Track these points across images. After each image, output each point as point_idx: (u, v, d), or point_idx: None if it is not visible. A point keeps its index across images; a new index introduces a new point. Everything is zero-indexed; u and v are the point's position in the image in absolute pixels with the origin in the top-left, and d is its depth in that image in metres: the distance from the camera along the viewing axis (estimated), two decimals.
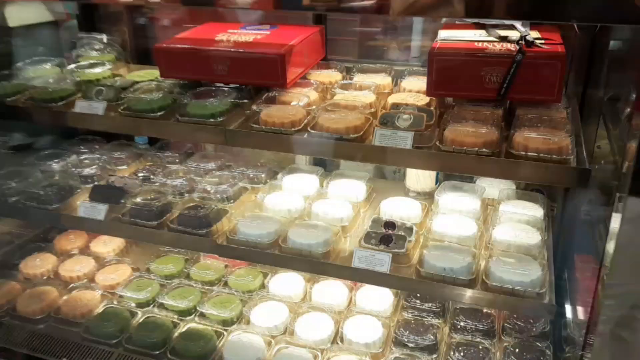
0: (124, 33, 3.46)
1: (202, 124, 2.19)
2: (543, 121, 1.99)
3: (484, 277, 2.02)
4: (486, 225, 2.35)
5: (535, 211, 2.39)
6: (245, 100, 2.36)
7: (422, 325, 2.57)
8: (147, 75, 2.72)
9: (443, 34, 2.32)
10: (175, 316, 2.74)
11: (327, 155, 2.12)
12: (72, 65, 2.79)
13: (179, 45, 2.38)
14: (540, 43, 2.08)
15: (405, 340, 2.48)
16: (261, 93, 2.43)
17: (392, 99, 2.29)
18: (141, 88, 2.43)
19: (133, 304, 2.84)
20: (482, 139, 1.89)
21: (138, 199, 2.56)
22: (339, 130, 2.04)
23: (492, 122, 2.01)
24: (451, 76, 2.10)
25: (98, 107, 2.35)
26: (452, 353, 2.41)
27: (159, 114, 2.27)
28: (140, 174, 2.87)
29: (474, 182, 2.69)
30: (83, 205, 2.55)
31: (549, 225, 2.29)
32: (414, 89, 2.40)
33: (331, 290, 2.82)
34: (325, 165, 3.19)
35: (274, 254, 2.26)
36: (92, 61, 2.86)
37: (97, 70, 2.72)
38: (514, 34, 2.18)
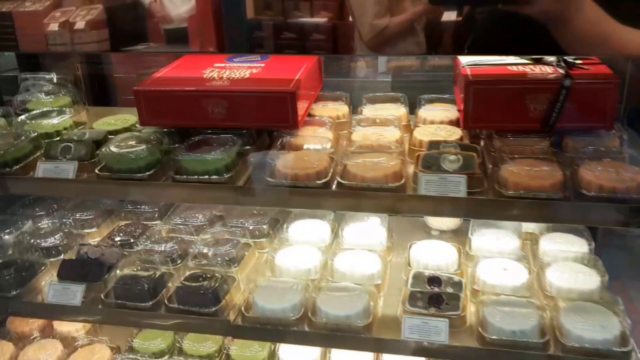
0: (75, 69, 3.00)
1: (205, 182, 1.81)
2: (601, 153, 1.75)
3: (558, 337, 1.74)
4: (531, 266, 2.08)
5: (580, 246, 2.16)
6: (248, 147, 1.99)
7: None
8: (118, 121, 2.29)
9: (464, 58, 2.06)
10: None
11: (366, 210, 1.79)
12: (23, 116, 2.31)
13: (165, 88, 1.98)
14: (579, 64, 1.86)
15: None
16: (263, 137, 2.07)
17: (420, 134, 1.99)
18: (118, 141, 2.00)
19: None
20: (549, 181, 1.63)
21: (122, 272, 2.12)
22: (377, 178, 1.72)
23: (547, 158, 1.76)
24: (492, 106, 1.85)
25: (68, 170, 1.90)
26: None
27: (148, 173, 1.86)
28: (116, 238, 2.41)
29: None
30: (52, 288, 2.09)
31: (600, 262, 2.06)
32: (435, 120, 2.12)
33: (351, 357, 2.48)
34: None
35: (304, 332, 1.89)
36: (45, 108, 2.39)
37: (55, 120, 2.26)
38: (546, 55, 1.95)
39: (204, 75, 2.07)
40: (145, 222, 2.55)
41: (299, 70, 2.10)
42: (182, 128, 2.08)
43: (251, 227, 2.39)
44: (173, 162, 1.89)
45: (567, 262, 2.05)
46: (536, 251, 2.19)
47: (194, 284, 2.03)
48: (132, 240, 2.38)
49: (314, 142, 1.92)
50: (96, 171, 1.90)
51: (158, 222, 2.56)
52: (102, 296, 2.05)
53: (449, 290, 1.93)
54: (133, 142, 1.98)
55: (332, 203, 1.76)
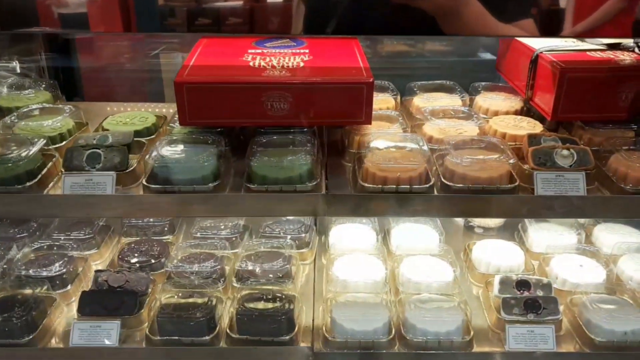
0: (38, 56, 2.49)
1: (288, 192, 1.52)
2: None
3: None
4: (601, 259, 2.03)
5: (636, 234, 2.15)
6: (313, 146, 1.72)
7: None
8: (135, 120, 1.89)
9: (528, 41, 1.95)
10: None
11: (478, 215, 1.61)
12: (7, 118, 1.82)
13: (216, 80, 1.64)
14: None
15: None
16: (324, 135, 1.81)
17: (501, 127, 1.84)
18: (164, 145, 1.63)
19: None
20: None
21: (164, 301, 1.75)
22: (493, 179, 1.54)
23: None
24: (584, 96, 1.74)
25: (104, 183, 1.51)
26: None
27: (213, 184, 1.53)
28: (132, 260, 2.01)
29: None
30: (77, 327, 1.68)
31: None
32: (500, 110, 1.99)
33: None
34: None
35: (401, 354, 1.67)
36: (33, 105, 1.92)
37: (51, 121, 1.80)
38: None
39: (250, 64, 1.75)
40: (157, 238, 2.16)
41: (355, 56, 1.85)
42: (229, 127, 1.76)
43: (290, 237, 2.11)
44: (235, 168, 1.57)
45: (635, 253, 2.03)
46: (594, 243, 2.15)
47: (260, 309, 1.73)
48: (153, 261, 1.99)
49: (404, 140, 1.69)
50: (143, 183, 1.53)
51: (170, 236, 2.19)
52: (147, 331, 1.68)
53: (540, 293, 1.81)
54: (182, 147, 1.63)
55: (442, 209, 1.55)
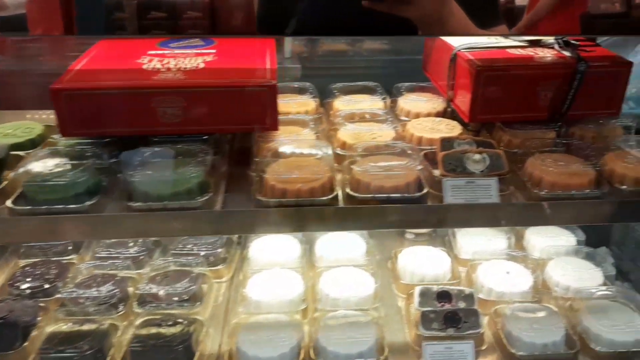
0: None
1: (175, 209, 1.36)
2: (618, 144, 1.63)
3: (587, 343, 1.61)
4: (529, 265, 1.94)
5: (567, 239, 2.07)
6: (216, 157, 1.57)
7: None
8: (18, 131, 1.71)
9: (452, 41, 1.84)
10: None
11: (384, 227, 1.48)
12: None
13: (99, 84, 1.47)
14: (580, 46, 1.74)
15: None
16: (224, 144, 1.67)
17: (417, 130, 1.73)
18: (36, 159, 1.45)
19: None
20: (586, 177, 1.47)
21: (48, 332, 1.58)
22: (398, 188, 1.42)
23: (564, 149, 1.61)
24: (503, 95, 1.65)
25: None
26: None
27: (89, 203, 1.36)
28: (22, 286, 1.82)
29: None
30: None
31: (595, 254, 1.99)
32: (421, 112, 1.88)
33: None
34: None
35: None
36: None
37: None
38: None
39: (144, 66, 1.59)
40: (57, 259, 1.97)
41: (264, 57, 1.71)
42: (119, 137, 1.59)
43: (203, 253, 1.96)
44: (119, 183, 1.41)
45: (564, 257, 1.95)
46: (525, 247, 2.07)
47: (154, 336, 1.57)
48: (46, 287, 1.81)
49: (307, 146, 1.56)
50: (8, 204, 1.35)
51: (74, 256, 2.00)
52: None
53: (462, 305, 1.71)
54: (57, 161, 1.46)
55: (345, 222, 1.42)
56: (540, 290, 1.80)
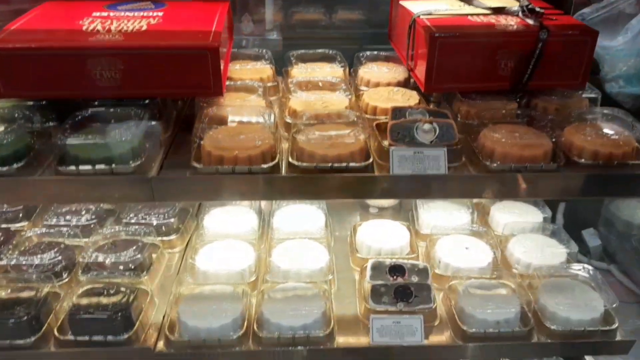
0: None
1: (105, 174, 1.30)
2: (581, 117, 1.56)
3: (542, 321, 1.57)
4: (490, 240, 1.89)
5: (534, 215, 2.01)
6: (154, 122, 1.50)
7: None
8: None
9: (411, 6, 1.76)
10: None
11: (327, 197, 1.43)
12: None
13: (33, 45, 1.40)
14: (545, 14, 1.65)
15: None
16: (170, 109, 1.60)
17: (372, 99, 1.66)
18: None
19: None
20: (541, 150, 1.40)
21: None
22: (342, 157, 1.36)
23: (525, 120, 1.54)
24: (460, 64, 1.57)
25: None
26: None
27: (17, 165, 1.30)
28: None
29: None
30: None
31: (561, 231, 1.93)
32: (381, 81, 1.80)
33: None
34: None
35: (252, 352, 1.51)
36: None
37: None
38: (508, 4, 1.72)
39: (83, 28, 1.51)
40: (6, 226, 1.93)
41: (212, 20, 1.63)
42: (57, 100, 1.52)
43: (155, 223, 1.91)
44: (55, 148, 1.35)
45: (526, 234, 1.89)
46: (489, 223, 2.02)
47: (93, 305, 1.52)
48: None
49: (250, 113, 1.49)
50: None
51: (25, 223, 1.95)
52: None
53: (415, 279, 1.66)
54: None
55: (284, 191, 1.35)
56: (499, 267, 1.74)
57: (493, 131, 1.44)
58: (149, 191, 1.32)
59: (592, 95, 1.69)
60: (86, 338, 1.48)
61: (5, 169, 1.29)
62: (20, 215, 1.96)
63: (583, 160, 1.41)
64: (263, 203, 2.09)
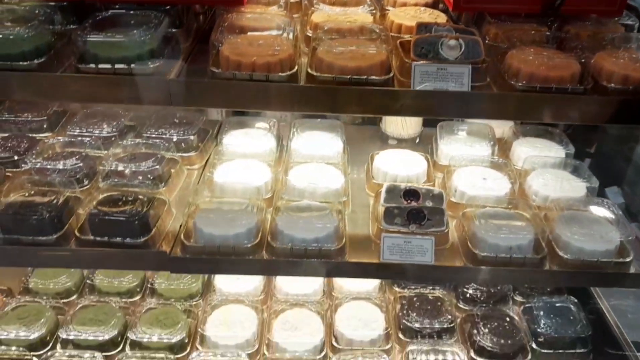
0: None
1: (124, 74, 1.30)
2: (614, 42, 1.49)
3: (556, 250, 1.56)
4: (509, 172, 1.86)
5: (556, 151, 1.97)
6: (175, 29, 1.49)
7: (428, 302, 2.10)
8: None
9: None
10: (96, 354, 1.88)
11: (345, 110, 1.41)
12: None
13: None
14: None
15: (416, 325, 1.99)
16: (191, 18, 1.58)
17: (399, 17, 1.61)
18: None
19: (21, 348, 1.90)
20: (569, 72, 1.35)
21: (9, 198, 1.59)
22: (362, 69, 1.33)
23: (555, 46, 1.49)
24: None
25: None
26: (472, 330, 2.00)
27: (38, 61, 1.31)
28: None
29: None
30: None
31: (583, 167, 1.89)
32: (408, 1, 1.74)
33: (298, 283, 2.19)
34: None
35: (265, 262, 1.54)
36: None
37: None
38: None
39: None
40: (31, 135, 1.97)
41: None
42: (78, 2, 1.51)
43: (175, 139, 1.92)
44: (75, 45, 1.35)
45: (547, 168, 1.86)
46: (510, 157, 1.98)
47: (113, 210, 1.57)
48: (16, 158, 1.82)
49: (270, 23, 1.46)
50: None
51: (48, 134, 1.99)
52: None
53: (429, 204, 1.66)
54: (9, 19, 1.39)
55: (301, 101, 1.34)
56: (516, 198, 1.72)
57: (521, 52, 1.39)
58: (166, 94, 1.32)
59: (629, 22, 1.61)
60: (105, 239, 1.52)
61: (26, 63, 1.30)
62: (45, 126, 2.00)
63: (612, 85, 1.35)
64: (282, 128, 2.08)
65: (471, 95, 1.33)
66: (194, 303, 2.08)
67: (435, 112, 1.37)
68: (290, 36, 1.44)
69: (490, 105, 1.36)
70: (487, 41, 1.53)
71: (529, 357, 1.96)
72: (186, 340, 1.94)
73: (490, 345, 1.94)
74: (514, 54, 1.39)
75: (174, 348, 1.91)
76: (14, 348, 1.88)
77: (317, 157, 1.89)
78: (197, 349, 1.93)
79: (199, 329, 1.96)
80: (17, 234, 1.52)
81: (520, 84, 1.34)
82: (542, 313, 2.05)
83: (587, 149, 2.90)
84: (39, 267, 2.12)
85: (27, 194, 1.62)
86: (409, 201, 1.66)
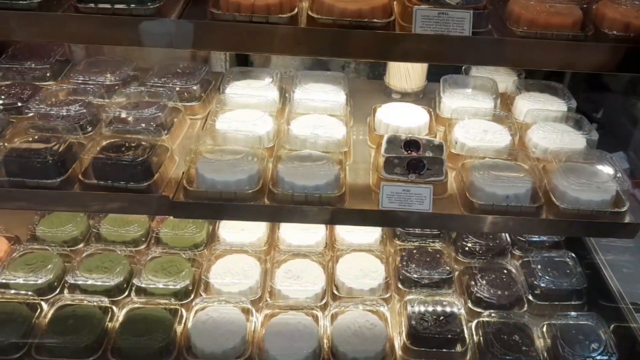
0: None
1: (123, 14, 1.30)
2: None
3: (554, 200, 1.57)
4: (510, 125, 1.86)
5: (559, 105, 1.96)
6: None
7: (427, 254, 2.13)
8: None
9: None
10: (103, 299, 1.93)
11: (345, 55, 1.41)
12: None
13: None
14: None
15: (415, 276, 2.03)
16: None
17: None
18: None
19: (29, 293, 1.96)
20: (570, 19, 1.34)
21: (13, 143, 1.61)
22: (363, 12, 1.32)
23: None
24: None
25: None
26: (470, 282, 2.04)
27: (38, 0, 1.31)
28: None
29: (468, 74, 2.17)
30: None
31: (584, 120, 1.88)
32: None
33: (301, 225, 2.22)
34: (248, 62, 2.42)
35: (266, 207, 1.56)
36: None
37: None
38: None
39: None
40: (34, 83, 1.98)
41: None
42: None
43: (178, 87, 1.93)
44: None
45: (547, 122, 1.86)
46: (513, 112, 1.98)
47: (116, 155, 1.59)
48: (20, 104, 1.83)
49: None
50: None
51: (52, 82, 2.00)
52: None
53: (429, 154, 1.67)
54: None
55: (301, 44, 1.34)
56: (515, 150, 1.73)
57: None
58: (167, 36, 1.32)
59: None
60: (109, 182, 1.55)
61: (25, 2, 1.30)
62: (48, 74, 2.01)
63: (614, 32, 1.34)
64: (284, 81, 2.08)
65: (471, 39, 1.32)
66: (198, 252, 2.12)
67: (436, 57, 1.37)
68: None
69: (490, 51, 1.35)
70: None
71: (525, 307, 2.00)
72: (190, 288, 1.99)
73: (487, 295, 1.99)
74: (516, 0, 1.38)
75: (178, 294, 1.97)
76: (22, 292, 1.94)
77: (320, 108, 1.90)
78: (201, 295, 1.98)
79: (203, 277, 2.01)
80: (22, 177, 1.54)
81: (520, 30, 1.33)
82: (539, 267, 2.09)
83: (594, 114, 2.89)
84: (43, 210, 2.16)
85: (31, 139, 1.63)
86: (409, 151, 1.67)
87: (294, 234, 2.22)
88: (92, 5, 1.31)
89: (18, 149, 1.58)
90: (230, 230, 2.21)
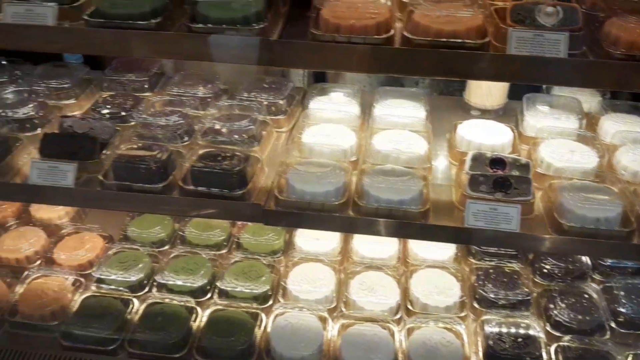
0: None
1: (231, 31, 1.40)
2: None
3: None
4: (597, 146, 1.82)
5: None
6: None
7: (505, 274, 2.11)
8: None
9: None
10: (189, 299, 2.04)
11: (439, 74, 1.45)
12: None
13: None
14: None
15: (492, 296, 2.02)
16: None
17: None
18: None
19: (122, 288, 2.10)
20: None
21: (121, 150, 1.75)
22: (458, 33, 1.36)
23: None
24: None
25: (46, 14, 1.45)
26: (549, 305, 2.00)
27: (155, 21, 1.43)
28: (103, 110, 2.01)
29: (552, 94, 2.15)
30: (36, 167, 1.70)
31: None
32: None
33: (375, 237, 2.26)
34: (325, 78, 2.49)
35: (352, 219, 1.62)
36: None
37: None
38: None
39: None
40: (134, 93, 2.13)
41: None
42: None
43: (266, 102, 2.03)
44: (183, 7, 1.46)
45: (638, 144, 1.81)
46: (598, 133, 1.94)
47: (213, 164, 1.69)
48: (123, 114, 1.98)
49: None
50: (84, 17, 1.46)
51: (149, 93, 2.15)
52: (101, 177, 1.69)
53: (515, 173, 1.67)
54: None
55: (397, 64, 1.39)
56: (604, 172, 1.70)
57: (620, 19, 1.37)
58: (269, 54, 1.41)
59: None
60: (206, 189, 1.65)
61: (144, 23, 1.42)
62: (146, 86, 2.16)
63: None
64: (366, 96, 2.13)
65: (567, 62, 1.33)
66: (277, 259, 2.20)
67: (531, 78, 1.38)
68: (385, 0, 1.48)
69: (587, 73, 1.35)
70: (584, 9, 1.51)
71: (607, 335, 1.94)
72: (269, 293, 2.07)
73: (567, 320, 1.95)
74: (614, 22, 1.38)
75: (259, 299, 2.05)
76: (118, 288, 2.09)
77: (401, 124, 1.94)
78: (279, 301, 2.05)
79: (282, 283, 2.08)
80: (129, 181, 1.67)
81: (618, 52, 1.33)
82: (622, 293, 2.02)
83: None
84: (146, 213, 2.30)
85: (135, 146, 1.77)
86: (494, 170, 1.68)
87: (366, 245, 2.26)
88: (201, 25, 1.42)
89: (126, 155, 1.71)
90: (306, 239, 2.28)
